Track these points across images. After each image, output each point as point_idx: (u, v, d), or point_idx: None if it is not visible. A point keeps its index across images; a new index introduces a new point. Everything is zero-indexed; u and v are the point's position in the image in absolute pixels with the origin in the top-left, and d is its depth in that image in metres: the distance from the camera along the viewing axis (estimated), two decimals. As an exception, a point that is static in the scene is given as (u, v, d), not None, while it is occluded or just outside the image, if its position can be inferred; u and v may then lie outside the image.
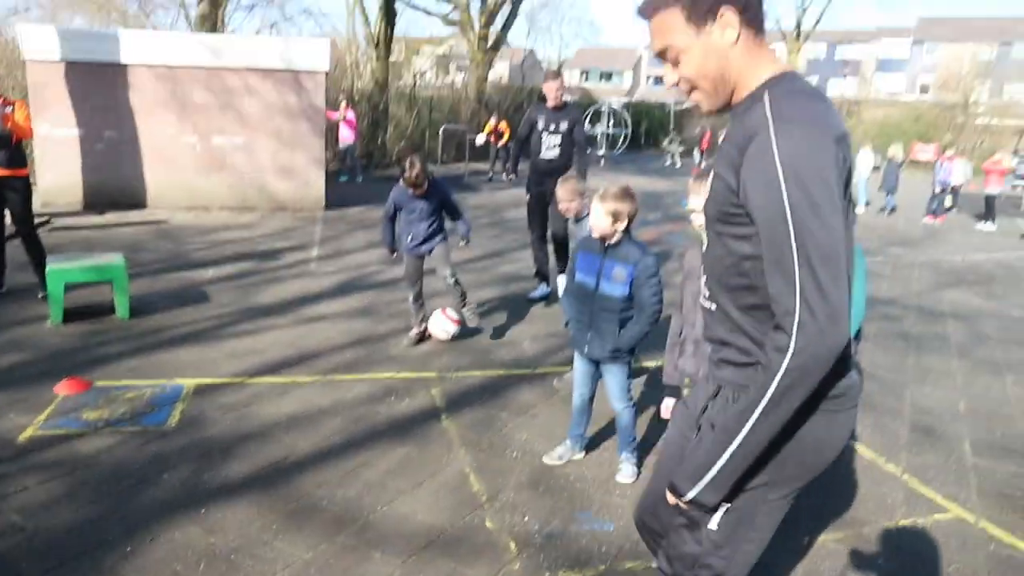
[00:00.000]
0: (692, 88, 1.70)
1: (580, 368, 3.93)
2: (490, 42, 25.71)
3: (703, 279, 1.81)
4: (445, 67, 42.77)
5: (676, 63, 1.68)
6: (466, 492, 3.71)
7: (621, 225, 3.57)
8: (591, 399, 3.98)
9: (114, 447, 3.99)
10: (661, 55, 1.71)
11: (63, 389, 4.64)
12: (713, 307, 1.78)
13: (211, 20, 20.35)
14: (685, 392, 3.13)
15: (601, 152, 26.48)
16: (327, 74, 12.91)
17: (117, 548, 3.12)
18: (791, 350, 1.47)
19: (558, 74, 6.95)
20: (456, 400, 4.80)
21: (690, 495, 1.68)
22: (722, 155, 1.65)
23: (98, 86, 11.56)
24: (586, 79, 63.47)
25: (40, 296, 6.41)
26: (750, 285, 1.65)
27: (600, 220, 3.56)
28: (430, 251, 5.64)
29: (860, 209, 16.26)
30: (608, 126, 27.95)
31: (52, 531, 3.23)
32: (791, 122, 1.50)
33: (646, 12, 1.69)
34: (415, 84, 24.88)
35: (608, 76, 65.12)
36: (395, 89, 22.98)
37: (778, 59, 1.67)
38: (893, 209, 16.48)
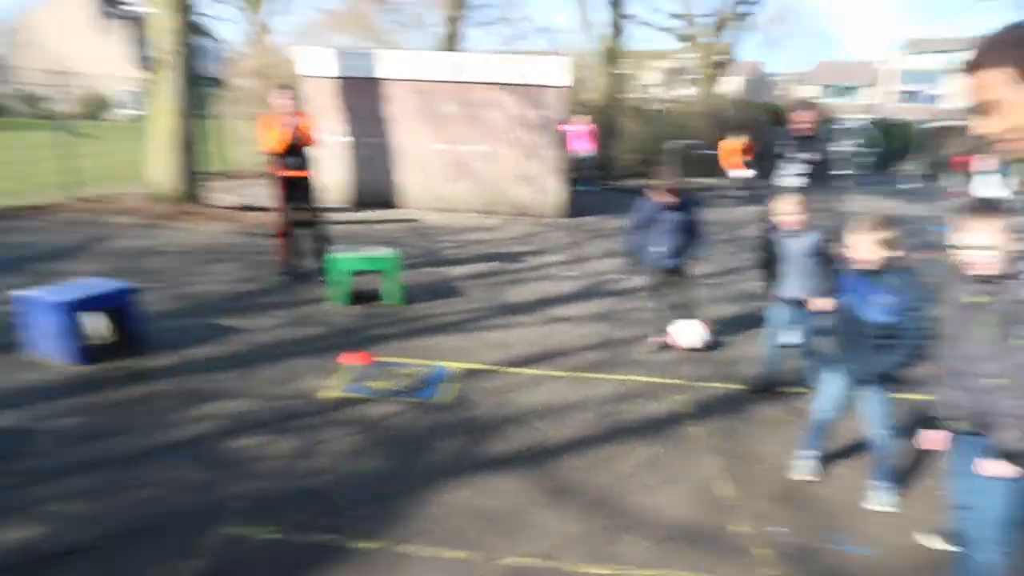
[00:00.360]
0: (1009, 140, 1.78)
1: (832, 390, 3.93)
2: (719, 58, 25.34)
3: None
4: (673, 81, 42.59)
5: (992, 115, 1.78)
6: (712, 496, 3.87)
7: (887, 253, 3.59)
8: (834, 421, 4.01)
9: (396, 414, 4.60)
10: (978, 107, 1.81)
11: (349, 360, 5.39)
12: None
13: (451, 39, 21.93)
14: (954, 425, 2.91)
15: (847, 172, 25.08)
16: (565, 89, 13.51)
17: (409, 496, 3.65)
18: None
19: (813, 105, 6.92)
20: (702, 408, 4.96)
21: None
22: None
23: (360, 98, 13.02)
24: (825, 94, 60.21)
25: (319, 280, 7.38)
26: None
27: (866, 249, 3.60)
28: (676, 266, 5.82)
29: None
30: (856, 145, 26.42)
31: (357, 474, 3.85)
32: None
33: (971, 68, 1.81)
34: (644, 98, 25.10)
35: (847, 91, 61.36)
36: (625, 103, 23.34)
37: None
38: None
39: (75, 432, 4.16)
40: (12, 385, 4.74)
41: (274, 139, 7.23)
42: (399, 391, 4.94)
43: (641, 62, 43.30)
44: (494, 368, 5.46)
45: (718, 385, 5.35)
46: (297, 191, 7.57)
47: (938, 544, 3.49)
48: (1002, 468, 2.63)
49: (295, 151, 7.41)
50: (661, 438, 4.49)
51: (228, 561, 3.11)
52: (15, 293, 5.32)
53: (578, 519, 3.56)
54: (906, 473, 4.16)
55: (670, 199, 5.62)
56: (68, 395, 4.63)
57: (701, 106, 24.71)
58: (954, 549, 3.17)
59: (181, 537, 3.24)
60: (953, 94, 51.07)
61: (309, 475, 3.82)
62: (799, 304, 4.81)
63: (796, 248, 4.88)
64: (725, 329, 6.61)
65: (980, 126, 1.83)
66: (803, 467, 4.14)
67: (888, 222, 3.63)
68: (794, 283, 4.89)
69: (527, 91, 13.00)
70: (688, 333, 5.85)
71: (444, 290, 7.59)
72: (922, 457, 4.29)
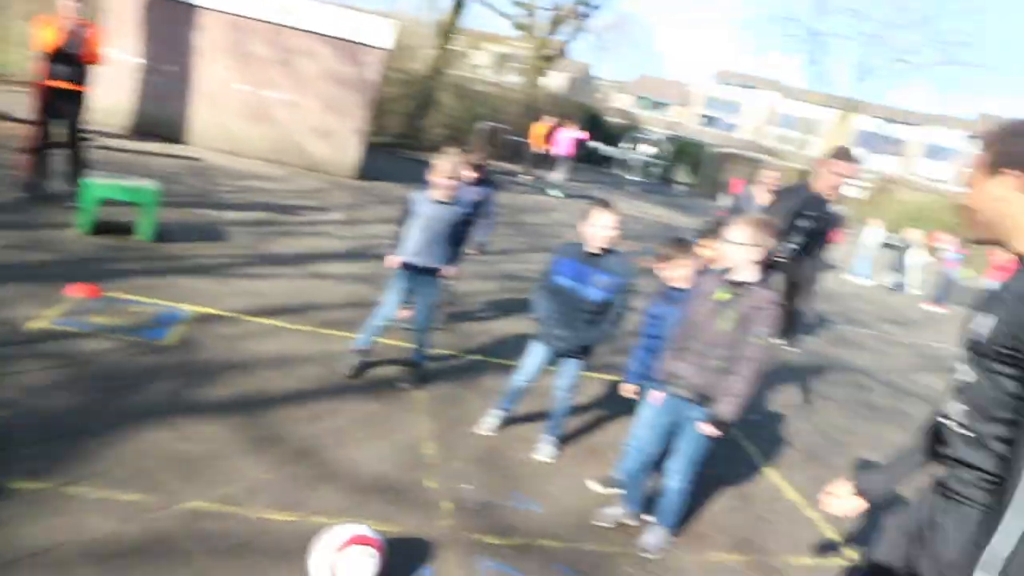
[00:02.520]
0: (972, 215, 1.98)
1: (537, 359, 4.30)
2: (550, 52, 26.06)
3: (962, 407, 1.94)
4: (502, 67, 43.19)
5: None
6: (417, 454, 4.03)
7: (612, 236, 4.01)
8: (528, 387, 4.42)
9: (111, 351, 4.34)
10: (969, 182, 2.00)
11: (74, 292, 5.01)
12: (971, 435, 1.88)
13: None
14: (677, 391, 3.48)
15: (634, 178, 26.74)
16: (386, 51, 13.30)
17: (98, 436, 3.46)
18: None
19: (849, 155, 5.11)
20: (432, 373, 5.12)
21: None
22: (1003, 301, 1.83)
23: (167, 21, 12.05)
24: (637, 105, 63.76)
25: (69, 205, 6.79)
26: (1014, 421, 1.77)
27: (596, 232, 3.99)
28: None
29: (861, 281, 16.54)
30: (649, 154, 28.21)
31: (43, 410, 3.58)
32: None
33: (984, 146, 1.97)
34: (471, 77, 25.28)
35: (659, 106, 65.40)
36: (448, 77, 23.38)
37: None
38: (900, 287, 16.77)
39: None
40: None
41: (46, 40, 6.54)
42: (120, 328, 4.67)
43: (475, 42, 43.62)
44: (235, 315, 5.30)
45: (452, 353, 5.54)
46: (62, 105, 6.90)
47: (601, 489, 4.07)
48: (712, 430, 3.39)
49: (69, 60, 6.74)
50: (383, 398, 4.59)
51: None
52: None
53: (276, 467, 3.56)
54: (585, 440, 4.59)
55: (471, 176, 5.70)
56: None
57: (521, 95, 25.27)
58: (615, 491, 3.96)
59: None
60: (747, 126, 56.03)
61: (-18, 406, 3.51)
62: (424, 272, 4.74)
63: (434, 214, 4.65)
64: (480, 303, 6.87)
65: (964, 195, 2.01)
66: (486, 423, 4.48)
67: (616, 208, 4.03)
68: (421, 249, 4.66)
69: (347, 46, 12.65)
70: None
71: (207, 232, 7.23)
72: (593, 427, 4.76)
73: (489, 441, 4.38)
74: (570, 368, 4.23)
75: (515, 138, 22.25)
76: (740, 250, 3.30)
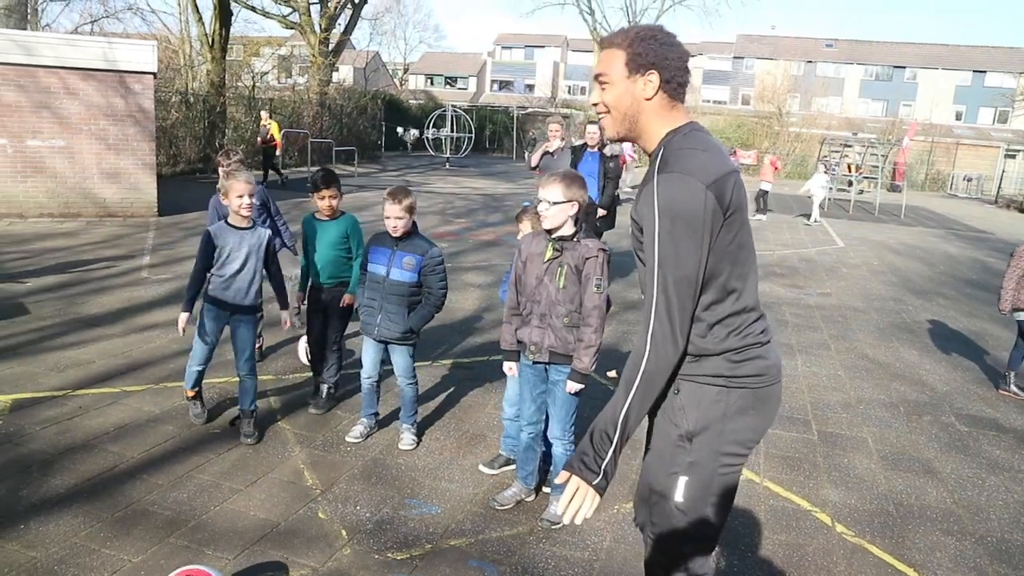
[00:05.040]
0: (605, 112, 2.07)
1: (371, 353, 4.30)
2: (331, 45, 25.41)
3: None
4: (287, 69, 41.71)
5: (602, 88, 2.05)
6: (300, 487, 3.85)
7: (410, 218, 4.11)
8: (377, 382, 4.40)
9: (-80, 468, 3.80)
10: (596, 77, 2.08)
11: None
12: None
13: (19, 13, 18.87)
14: (532, 357, 3.54)
15: (445, 156, 26.82)
16: (155, 76, 12.42)
17: (-73, 570, 3.03)
18: (646, 356, 1.87)
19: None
20: (293, 402, 4.90)
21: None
22: (637, 195, 2.00)
23: None
24: (431, 84, 63.75)
25: None
26: None
27: (395, 217, 4.05)
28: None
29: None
30: (452, 130, 28.34)
31: None
32: (671, 172, 1.86)
33: (603, 43, 2.08)
34: (254, 86, 24.21)
35: (453, 81, 65.73)
36: (233, 91, 22.27)
37: (686, 117, 2.04)
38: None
39: None
40: None
41: None
42: (-75, 440, 4.09)
43: (253, 48, 41.81)
44: (58, 393, 4.79)
45: (302, 376, 5.33)
46: None
47: (491, 471, 4.12)
48: (576, 386, 3.49)
49: None
50: (248, 439, 4.33)
51: None
52: None
53: (151, 545, 3.26)
54: (464, 428, 4.59)
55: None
56: None
57: (313, 95, 24.54)
58: (506, 469, 4.09)
59: None
60: (542, 84, 57.58)
61: None
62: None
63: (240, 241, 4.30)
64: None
65: (592, 95, 2.13)
66: (354, 431, 4.43)
67: (406, 192, 4.10)
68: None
69: (109, 77, 11.66)
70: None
71: (3, 310, 6.47)
72: (468, 413, 4.78)
73: (368, 453, 4.25)
74: (399, 356, 4.26)
75: (317, 140, 21.63)
76: (556, 207, 3.36)
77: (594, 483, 1.88)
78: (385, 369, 4.46)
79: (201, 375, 4.45)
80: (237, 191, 4.15)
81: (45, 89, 11.37)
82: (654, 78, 1.97)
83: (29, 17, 19.44)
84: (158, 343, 5.83)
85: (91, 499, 3.61)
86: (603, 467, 1.88)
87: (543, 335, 3.48)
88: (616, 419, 1.88)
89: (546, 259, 3.44)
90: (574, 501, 1.89)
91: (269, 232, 4.41)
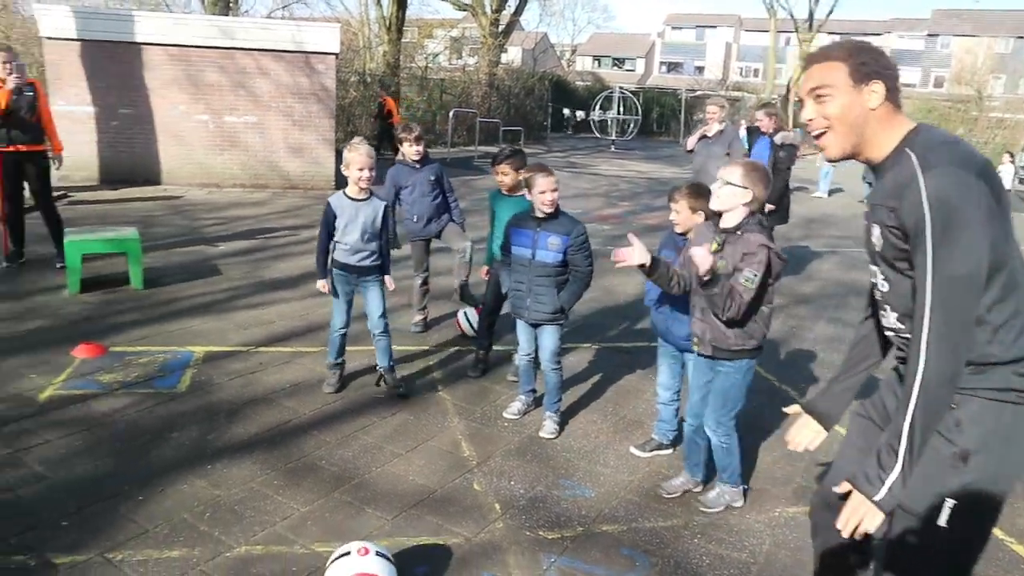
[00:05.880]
0: (824, 128, 1.96)
1: (525, 333, 4.29)
2: (501, 26, 25.78)
3: (893, 314, 1.99)
4: (458, 50, 42.82)
5: (821, 102, 1.95)
6: (457, 457, 3.94)
7: (556, 198, 4.05)
8: (536, 360, 4.35)
9: (128, 407, 4.24)
10: (812, 92, 1.98)
11: (80, 353, 4.89)
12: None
13: (223, 2, 20.56)
14: (696, 349, 3.43)
15: (612, 138, 26.56)
16: (337, 56, 13.10)
17: (131, 498, 3.36)
18: (922, 365, 1.74)
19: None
20: (453, 373, 5.03)
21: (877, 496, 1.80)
22: (877, 209, 1.90)
23: (113, 64, 11.81)
24: (598, 65, 63.25)
25: (58, 266, 6.67)
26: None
27: (543, 195, 4.02)
28: (439, 232, 5.74)
29: (821, 194, 16.52)
30: (619, 112, 27.99)
31: (70, 481, 3.48)
32: (937, 167, 1.74)
33: (816, 57, 1.99)
34: (427, 67, 25.03)
35: (620, 62, 64.89)
36: (407, 71, 23.14)
37: (908, 121, 1.93)
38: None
39: None
40: None
41: None
42: (133, 382, 4.56)
43: (427, 30, 43.23)
44: (244, 348, 5.19)
45: (465, 349, 5.44)
46: (25, 168, 6.74)
47: (643, 454, 4.07)
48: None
49: (21, 123, 6.57)
50: (410, 406, 4.49)
51: None
52: None
53: (318, 497, 3.47)
54: (621, 412, 4.50)
55: (418, 155, 5.51)
56: None
57: (482, 75, 25.03)
58: (657, 453, 4.06)
59: None
60: (713, 65, 55.66)
61: (10, 488, 3.39)
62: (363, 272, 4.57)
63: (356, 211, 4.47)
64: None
65: (806, 111, 2.02)
66: (512, 407, 4.46)
67: (550, 170, 4.05)
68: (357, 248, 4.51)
69: (297, 58, 12.45)
70: (469, 320, 5.68)
71: (199, 270, 7.11)
72: (625, 398, 4.67)
73: (524, 430, 4.28)
74: (547, 337, 4.20)
75: (485, 120, 22.05)
76: (729, 188, 3.18)
77: (876, 499, 1.77)
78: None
79: (342, 341, 4.64)
80: (357, 164, 4.34)
81: (242, 70, 12.32)
82: (879, 88, 1.88)
83: (230, 4, 21.12)
84: (331, 308, 6.14)
85: (268, 449, 3.88)
86: (887, 483, 1.76)
87: (704, 329, 3.34)
88: (899, 433, 1.76)
89: (711, 251, 3.24)
90: (854, 515, 1.80)
91: (385, 203, 4.58)
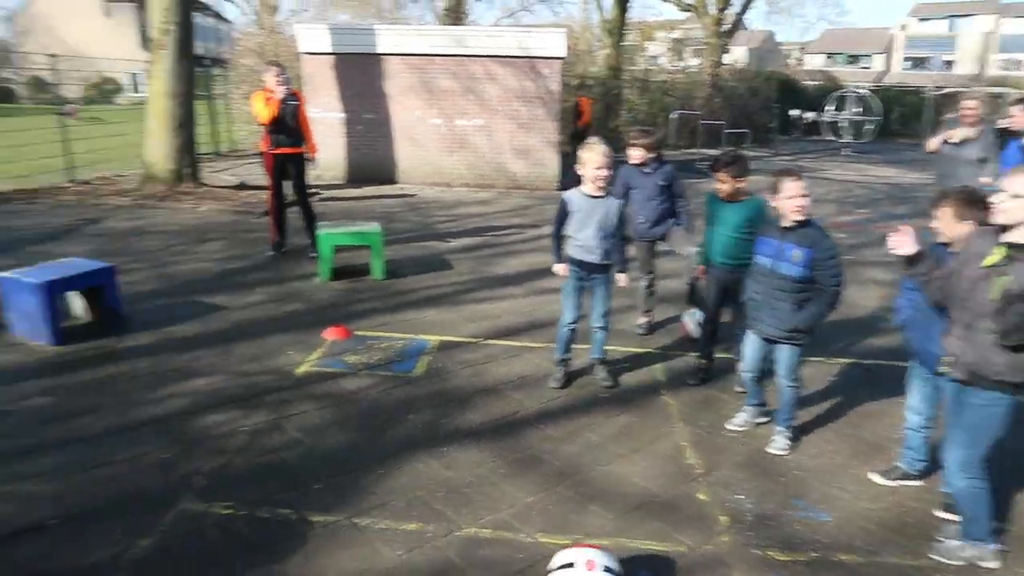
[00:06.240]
0: None
1: (753, 348, 4.03)
2: (725, 26, 24.95)
3: None
4: (680, 52, 42.09)
5: None
6: (681, 464, 3.84)
7: (805, 208, 3.72)
8: (761, 376, 4.11)
9: (370, 387, 4.59)
10: None
11: (330, 335, 5.38)
12: None
13: (454, 13, 21.73)
14: (947, 371, 3.06)
15: (844, 140, 24.78)
16: (562, 60, 13.34)
17: (372, 471, 3.63)
18: None
19: None
20: (678, 378, 4.92)
21: None
22: None
23: (358, 74, 12.91)
24: (832, 62, 59.28)
25: (311, 256, 7.38)
26: None
27: (790, 205, 3.72)
28: (663, 234, 5.66)
29: None
30: (854, 112, 26.03)
31: (323, 449, 3.83)
32: None
33: None
34: (647, 69, 24.83)
35: (855, 59, 60.37)
36: (628, 74, 23.08)
37: None
38: None
39: (46, 412, 4.16)
40: (-12, 365, 4.76)
41: (264, 114, 7.18)
42: (375, 364, 4.93)
43: (648, 32, 42.91)
44: (474, 340, 5.43)
45: (693, 355, 5.28)
46: (288, 168, 7.54)
47: (884, 481, 3.73)
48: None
49: (286, 128, 7.35)
50: (634, 408, 4.45)
51: (181, 537, 3.10)
52: (1, 275, 5.31)
53: (542, 489, 3.53)
54: (863, 433, 4.13)
55: (643, 158, 5.46)
56: (42, 376, 4.63)
57: (706, 76, 24.39)
58: (895, 483, 3.71)
59: (140, 514, 3.23)
60: (965, 59, 50.15)
61: (274, 451, 3.81)
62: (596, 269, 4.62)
63: (591, 208, 4.54)
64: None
65: None
66: (736, 419, 4.26)
67: (798, 175, 3.75)
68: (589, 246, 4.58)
69: (524, 63, 12.86)
70: (698, 323, 5.50)
71: (432, 264, 7.56)
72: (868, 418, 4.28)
73: (754, 443, 4.08)
74: (782, 355, 3.92)
75: (708, 122, 21.46)
76: (1017, 201, 2.73)
77: None
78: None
79: (571, 337, 4.70)
80: (594, 163, 4.37)
81: (471, 76, 12.94)
82: None
83: (460, 15, 22.29)
84: (557, 307, 6.23)
85: (495, 437, 4.01)
86: None
87: (963, 348, 2.93)
88: None
89: (986, 263, 2.84)
90: None
91: (620, 202, 4.60)
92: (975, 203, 3.19)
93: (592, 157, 4.37)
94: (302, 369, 4.82)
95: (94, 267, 5.56)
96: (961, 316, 2.96)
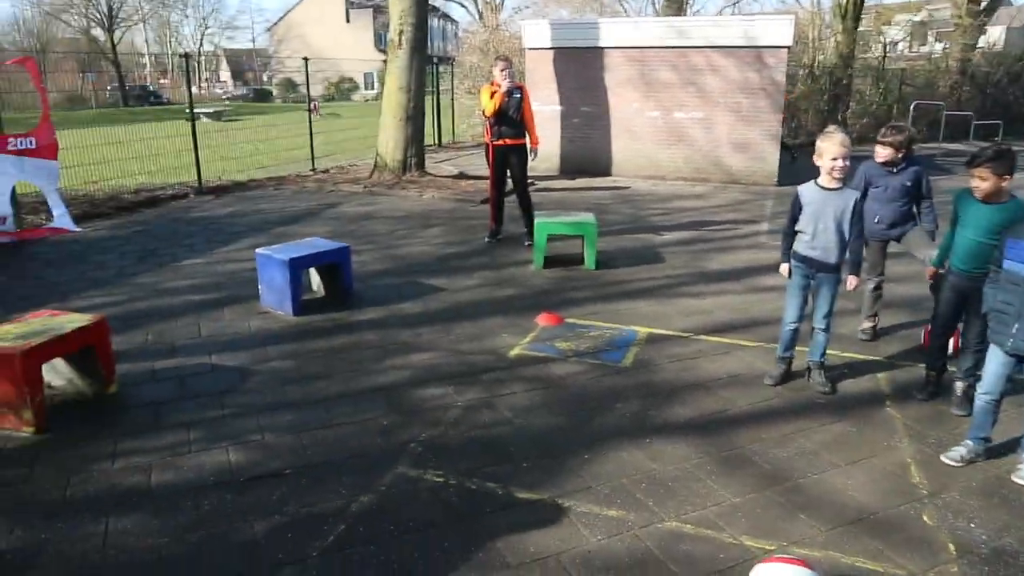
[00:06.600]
0: None
1: (995, 365, 3.59)
2: (983, 3, 22.34)
3: None
4: (923, 36, 38.38)
5: None
6: (905, 482, 3.56)
7: None
8: (1000, 399, 3.66)
9: (579, 374, 4.69)
10: None
11: (542, 320, 5.57)
12: None
13: (677, 3, 21.31)
14: None
15: None
16: (788, 49, 12.69)
17: (578, 455, 3.73)
18: None
19: None
20: (904, 389, 4.55)
21: None
22: None
23: (578, 68, 13.10)
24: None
25: (527, 244, 7.65)
26: None
27: None
28: (900, 236, 5.25)
29: None
30: None
31: (532, 428, 3.99)
32: None
33: None
34: (884, 56, 22.91)
35: None
36: (861, 62, 21.44)
37: None
38: None
39: (285, 374, 4.70)
40: (241, 331, 5.45)
41: (489, 106, 7.55)
42: (584, 352, 5.03)
43: (884, 17, 39.56)
44: (684, 334, 5.38)
45: (922, 367, 4.85)
46: (509, 158, 7.86)
47: None
48: None
49: (509, 120, 7.67)
50: (853, 417, 4.19)
51: (396, 499, 3.37)
52: (257, 251, 6.06)
53: (750, 492, 3.44)
54: None
55: (890, 157, 5.08)
56: (283, 341, 5.24)
57: (952, 61, 22.04)
58: None
59: (363, 473, 3.56)
60: None
61: (485, 426, 4.02)
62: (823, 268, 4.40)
63: (825, 202, 4.29)
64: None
65: None
66: (954, 453, 3.78)
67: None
68: (818, 242, 4.38)
69: (748, 53, 12.39)
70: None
71: (645, 256, 7.56)
72: None
73: (992, 469, 3.69)
74: None
75: (952, 113, 19.45)
76: None
77: None
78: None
79: (793, 336, 4.52)
80: (831, 154, 4.13)
81: (693, 67, 12.66)
82: None
83: (683, 5, 21.84)
84: (774, 305, 6.02)
85: (703, 434, 3.96)
86: None
87: None
88: None
89: None
90: None
91: (857, 194, 4.29)
92: None
93: (829, 147, 4.15)
94: (515, 352, 5.03)
95: (332, 247, 6.16)
96: None
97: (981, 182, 3.99)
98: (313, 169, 13.35)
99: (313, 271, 6.19)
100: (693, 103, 12.83)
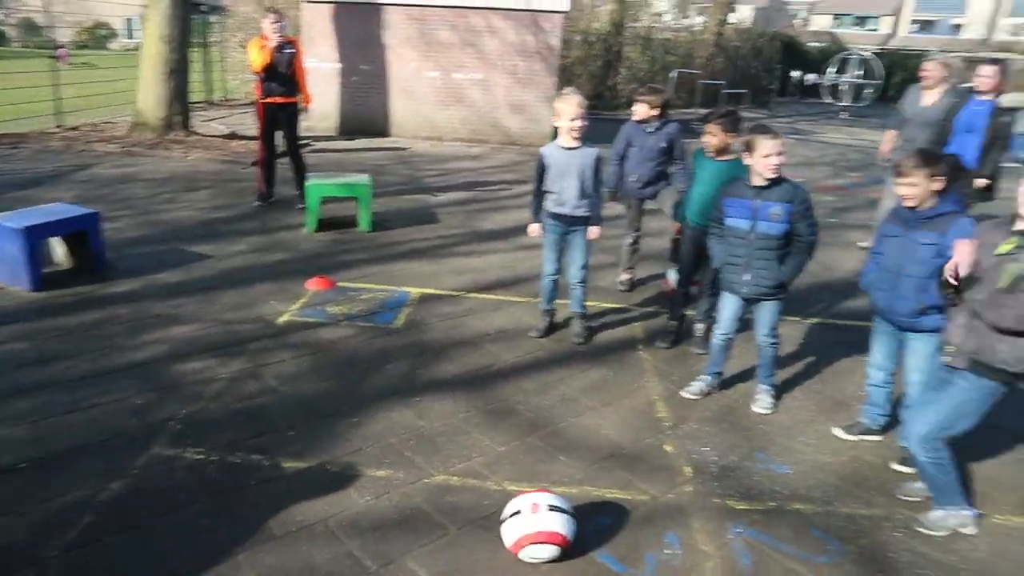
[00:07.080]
0: None
1: (729, 310, 4.04)
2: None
3: None
4: (684, 9, 41.40)
5: None
6: (651, 418, 3.90)
7: (779, 165, 3.71)
8: (733, 337, 4.14)
9: (350, 338, 4.63)
10: None
11: (312, 285, 5.41)
12: None
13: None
14: (948, 360, 2.97)
15: (842, 104, 24.55)
16: (565, 15, 13.15)
17: (347, 418, 3.69)
18: None
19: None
20: (655, 335, 4.96)
21: None
22: None
23: (357, 25, 12.72)
24: (838, 24, 58.35)
25: (299, 207, 7.37)
26: None
27: (779, 152, 3.70)
28: (654, 195, 5.63)
29: None
30: (855, 76, 25.74)
31: (299, 396, 3.89)
32: None
33: None
34: (650, 26, 24.46)
35: (862, 21, 59.43)
36: (631, 31, 22.74)
37: None
38: None
39: (24, 357, 4.19)
40: (-30, 308, 4.79)
41: (258, 62, 7.11)
42: (356, 315, 4.97)
43: (653, -11, 42.10)
44: (455, 293, 5.47)
45: (666, 310, 5.32)
46: (279, 117, 7.48)
47: (847, 436, 3.84)
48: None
49: (280, 77, 7.28)
50: (609, 363, 4.51)
51: (151, 481, 3.15)
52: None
53: (514, 439, 3.60)
54: (827, 390, 4.20)
55: (646, 114, 5.41)
56: (21, 320, 4.66)
57: (709, 35, 24.04)
58: (856, 438, 3.81)
59: (113, 458, 3.28)
60: (975, 22, 49.39)
61: (250, 397, 3.86)
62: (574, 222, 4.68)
63: (567, 161, 4.53)
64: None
65: None
66: (693, 387, 4.21)
67: (775, 132, 3.75)
68: (565, 199, 4.63)
69: (526, 16, 12.66)
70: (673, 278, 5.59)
71: (420, 216, 7.56)
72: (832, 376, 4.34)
73: (723, 399, 4.15)
74: (766, 312, 3.95)
75: (707, 82, 21.25)
76: None
77: None
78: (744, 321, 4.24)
79: (552, 287, 4.79)
80: (569, 114, 4.36)
81: (472, 28, 12.74)
82: None
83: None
84: (538, 263, 6.27)
85: (470, 389, 4.07)
86: None
87: (966, 337, 2.86)
88: None
89: (999, 251, 2.75)
90: None
91: (598, 151, 4.55)
92: (936, 161, 3.22)
93: (567, 108, 4.35)
94: (284, 319, 4.86)
95: (77, 213, 5.56)
96: (966, 304, 2.88)
97: (712, 138, 4.45)
98: (60, 126, 11.89)
99: (56, 241, 5.54)
100: (472, 64, 12.94)
